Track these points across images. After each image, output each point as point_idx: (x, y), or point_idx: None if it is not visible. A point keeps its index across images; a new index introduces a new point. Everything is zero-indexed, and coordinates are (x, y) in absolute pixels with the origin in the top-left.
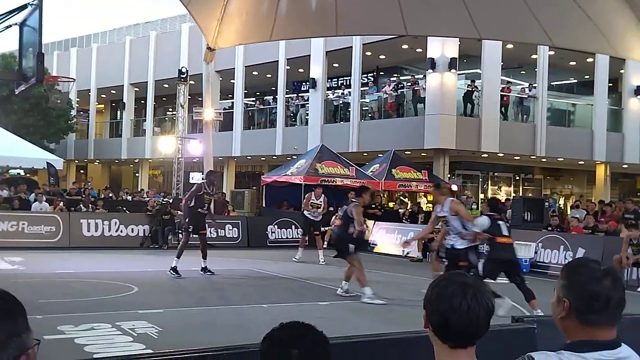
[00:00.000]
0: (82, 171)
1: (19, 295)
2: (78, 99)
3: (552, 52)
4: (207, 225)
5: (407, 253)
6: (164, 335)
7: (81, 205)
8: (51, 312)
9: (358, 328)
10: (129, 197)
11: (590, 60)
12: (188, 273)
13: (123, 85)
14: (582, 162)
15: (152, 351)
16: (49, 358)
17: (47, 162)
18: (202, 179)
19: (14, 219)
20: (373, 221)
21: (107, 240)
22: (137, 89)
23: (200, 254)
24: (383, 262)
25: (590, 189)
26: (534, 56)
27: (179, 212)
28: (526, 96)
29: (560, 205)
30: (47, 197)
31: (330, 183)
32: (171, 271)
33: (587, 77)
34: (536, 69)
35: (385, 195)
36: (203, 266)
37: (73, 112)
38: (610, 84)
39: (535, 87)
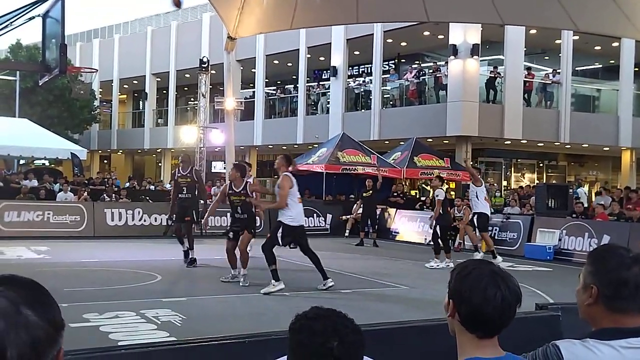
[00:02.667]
0: (105, 161)
1: (45, 284)
2: (101, 90)
3: (576, 37)
4: (191, 211)
5: (429, 241)
6: (187, 323)
7: (105, 195)
8: (76, 301)
9: (380, 316)
10: (152, 187)
11: (615, 44)
12: (210, 261)
13: (145, 76)
14: (607, 148)
15: (175, 339)
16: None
17: (71, 153)
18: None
19: (39, 208)
20: (395, 209)
21: (130, 230)
22: (159, 79)
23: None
24: (405, 250)
25: (615, 175)
26: (557, 41)
27: (201, 201)
28: (550, 82)
29: (585, 192)
30: (72, 187)
31: (352, 171)
32: (187, 264)
33: (613, 61)
34: (560, 54)
35: (407, 183)
36: (191, 257)
37: (96, 103)
38: (637, 69)
39: (559, 73)
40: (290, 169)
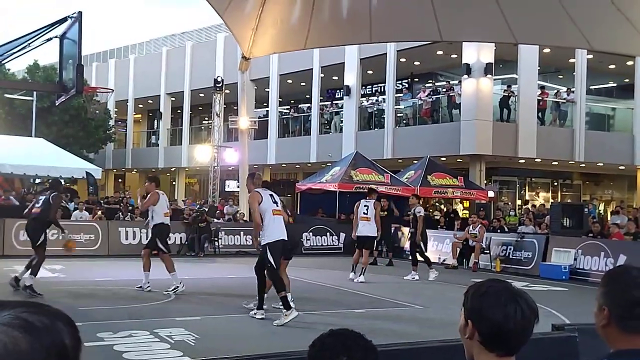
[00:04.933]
0: (120, 180)
1: (60, 302)
2: (116, 109)
3: (590, 56)
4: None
5: (444, 260)
6: (201, 343)
7: (120, 213)
8: (90, 319)
9: (394, 336)
10: None
11: (630, 63)
12: (223, 281)
13: (160, 95)
14: (623, 167)
15: (189, 358)
16: None
17: (86, 172)
18: None
19: (54, 227)
20: (408, 228)
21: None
22: (173, 99)
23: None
24: (420, 270)
25: (631, 194)
26: (571, 60)
27: (215, 220)
28: (564, 100)
29: (600, 211)
30: (87, 205)
31: (365, 190)
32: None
33: (627, 80)
34: (574, 73)
35: (421, 202)
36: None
37: (111, 122)
38: None
39: (573, 92)
40: (255, 186)
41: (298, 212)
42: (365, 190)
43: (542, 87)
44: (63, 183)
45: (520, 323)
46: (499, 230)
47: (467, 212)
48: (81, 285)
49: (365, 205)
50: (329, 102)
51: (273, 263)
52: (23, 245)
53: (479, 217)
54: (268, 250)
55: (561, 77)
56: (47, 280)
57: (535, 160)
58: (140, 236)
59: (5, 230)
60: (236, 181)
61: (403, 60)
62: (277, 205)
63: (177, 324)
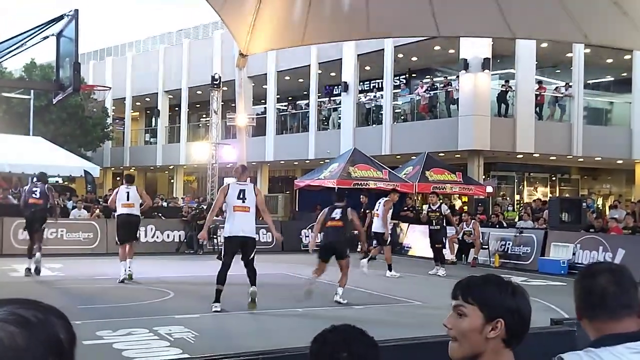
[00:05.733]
0: (118, 178)
1: (59, 301)
2: (114, 107)
3: (587, 50)
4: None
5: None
6: (200, 340)
7: None
8: (90, 318)
9: (394, 332)
10: (164, 203)
11: (627, 57)
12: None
13: (157, 93)
14: (621, 161)
15: (188, 355)
16: None
17: (84, 170)
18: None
19: (53, 226)
20: (407, 224)
21: (143, 246)
22: (171, 96)
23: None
24: (418, 265)
25: (629, 188)
26: (569, 54)
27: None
28: (562, 95)
29: (599, 206)
30: (85, 204)
31: (364, 186)
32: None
33: (625, 74)
34: (572, 67)
35: (419, 198)
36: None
37: (109, 120)
38: None
39: (571, 86)
40: (237, 178)
41: (297, 209)
42: (367, 187)
43: (539, 82)
44: (61, 181)
45: (529, 318)
46: (497, 226)
47: (465, 207)
48: (80, 283)
49: (378, 203)
50: (327, 99)
51: (222, 257)
52: (22, 244)
53: (477, 213)
54: (224, 244)
55: (559, 71)
56: (46, 278)
57: (533, 155)
58: (139, 234)
59: (4, 229)
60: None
61: (400, 56)
62: (244, 202)
63: (176, 321)
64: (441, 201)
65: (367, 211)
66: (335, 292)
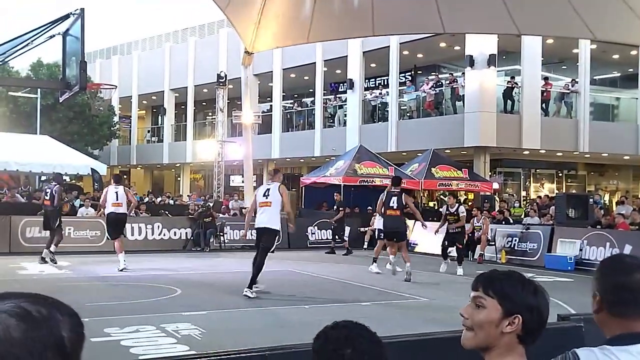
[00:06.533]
0: (125, 176)
1: (67, 298)
2: (120, 106)
3: (594, 46)
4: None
5: (449, 252)
6: (207, 337)
7: None
8: (97, 315)
9: (401, 328)
10: (171, 201)
11: (634, 52)
12: (229, 275)
13: (163, 91)
14: (628, 157)
15: (195, 352)
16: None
17: (91, 169)
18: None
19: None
20: (413, 220)
21: (150, 244)
22: (177, 95)
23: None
24: (425, 262)
25: (636, 184)
26: (575, 50)
27: (220, 215)
28: (568, 91)
29: (605, 202)
30: (92, 202)
31: (369, 183)
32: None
33: (631, 70)
34: (578, 64)
35: (425, 195)
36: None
37: (115, 119)
38: None
39: (577, 82)
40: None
41: (303, 206)
42: (372, 184)
43: (545, 78)
44: (68, 180)
45: (547, 315)
46: (503, 222)
47: (471, 204)
48: (88, 281)
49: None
50: (333, 96)
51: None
52: (29, 242)
53: (484, 209)
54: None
55: (565, 67)
56: (54, 276)
57: (540, 151)
58: (146, 232)
59: (12, 228)
60: (241, 176)
61: (406, 52)
62: (266, 198)
63: (183, 318)
64: (458, 203)
65: (340, 208)
66: (405, 270)
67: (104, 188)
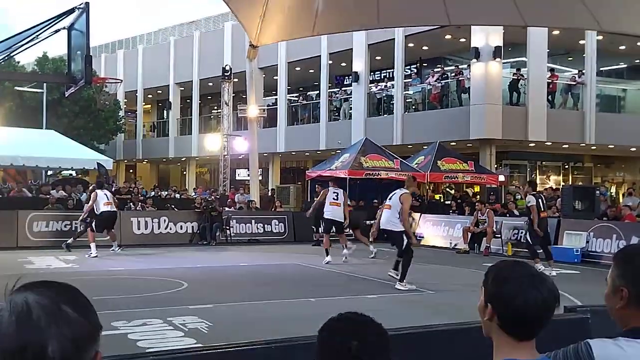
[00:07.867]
0: (131, 171)
1: None
2: (125, 100)
3: (600, 37)
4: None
5: (455, 245)
6: (214, 330)
7: (131, 203)
8: (105, 309)
9: (406, 320)
10: (177, 195)
11: None
12: (235, 269)
13: (169, 85)
14: (634, 149)
15: (202, 345)
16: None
17: (97, 163)
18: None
19: (67, 218)
20: (419, 213)
21: (156, 238)
22: (182, 89)
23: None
24: (430, 255)
25: None
26: (581, 42)
27: (226, 209)
28: (574, 83)
29: (612, 194)
30: None
31: (375, 176)
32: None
33: (638, 61)
34: (584, 55)
35: (431, 187)
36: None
37: (121, 113)
38: None
39: (583, 74)
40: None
41: (309, 200)
42: (378, 177)
43: (551, 70)
44: (74, 174)
45: (540, 309)
46: (508, 215)
47: (478, 196)
48: (95, 275)
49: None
50: (338, 89)
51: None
52: (36, 237)
53: (489, 202)
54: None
55: (571, 59)
56: (61, 270)
57: (546, 143)
58: (152, 226)
59: (18, 222)
60: (246, 170)
61: (411, 45)
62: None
63: (190, 312)
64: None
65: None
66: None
67: (110, 182)
